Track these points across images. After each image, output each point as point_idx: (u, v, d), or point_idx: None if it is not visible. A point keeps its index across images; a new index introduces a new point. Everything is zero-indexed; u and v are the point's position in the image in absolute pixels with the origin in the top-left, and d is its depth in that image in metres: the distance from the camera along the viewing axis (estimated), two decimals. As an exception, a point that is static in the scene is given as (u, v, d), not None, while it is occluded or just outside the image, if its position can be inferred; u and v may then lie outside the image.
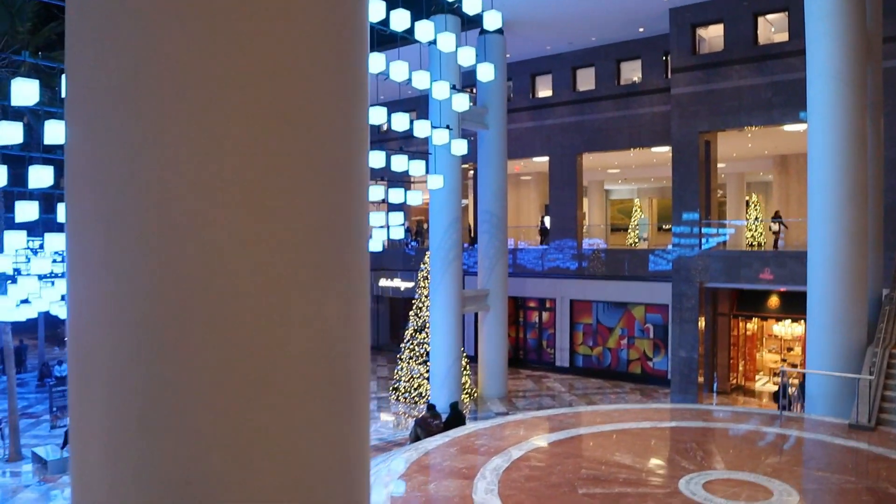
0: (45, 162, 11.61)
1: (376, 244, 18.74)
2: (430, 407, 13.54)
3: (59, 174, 11.71)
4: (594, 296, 25.27)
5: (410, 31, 12.95)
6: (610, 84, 24.68)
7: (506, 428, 10.84)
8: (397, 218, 17.32)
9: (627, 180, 37.07)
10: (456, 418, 12.57)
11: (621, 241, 35.62)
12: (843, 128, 12.98)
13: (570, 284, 25.65)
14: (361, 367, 2.72)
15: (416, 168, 14.97)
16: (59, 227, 11.65)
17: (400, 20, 12.38)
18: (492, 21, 13.51)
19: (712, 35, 21.07)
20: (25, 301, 13.04)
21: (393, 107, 15.09)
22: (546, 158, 26.97)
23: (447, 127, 15.20)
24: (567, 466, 8.84)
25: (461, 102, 14.58)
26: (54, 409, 20.19)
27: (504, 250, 22.67)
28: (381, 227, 17.08)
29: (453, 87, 14.61)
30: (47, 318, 26.99)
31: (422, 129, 14.20)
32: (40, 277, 12.92)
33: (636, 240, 35.48)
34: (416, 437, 12.14)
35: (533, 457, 9.07)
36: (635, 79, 24.42)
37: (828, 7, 12.92)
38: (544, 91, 26.85)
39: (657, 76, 23.41)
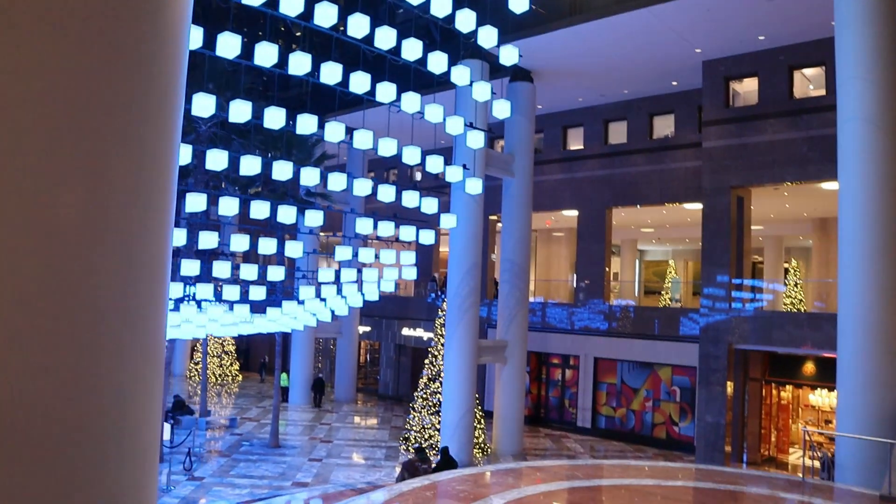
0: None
1: (389, 285, 18.32)
2: (419, 450, 12.79)
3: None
4: (620, 354, 24.28)
5: (422, 60, 12.74)
6: (642, 138, 24.22)
7: (495, 475, 10.06)
8: (409, 258, 16.90)
9: (661, 240, 36.20)
10: (446, 463, 11.80)
11: (654, 304, 34.55)
12: (875, 177, 12.22)
13: (596, 342, 24.73)
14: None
15: (429, 206, 14.59)
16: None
17: (437, 63, 12.18)
18: (508, 56, 13.20)
19: (746, 89, 20.55)
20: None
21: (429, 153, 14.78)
22: (575, 212, 26.43)
23: (464, 166, 14.85)
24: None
25: (476, 139, 14.22)
26: None
27: (525, 301, 21.98)
28: (392, 265, 16.67)
29: (469, 125, 14.30)
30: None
31: (434, 164, 13.88)
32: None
33: (669, 302, 34.39)
34: (402, 480, 11.41)
35: (515, 506, 8.28)
36: (668, 133, 23.92)
37: (858, 50, 12.33)
38: (575, 143, 26.50)
39: (690, 131, 22.88)
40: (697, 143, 21.74)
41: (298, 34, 26.04)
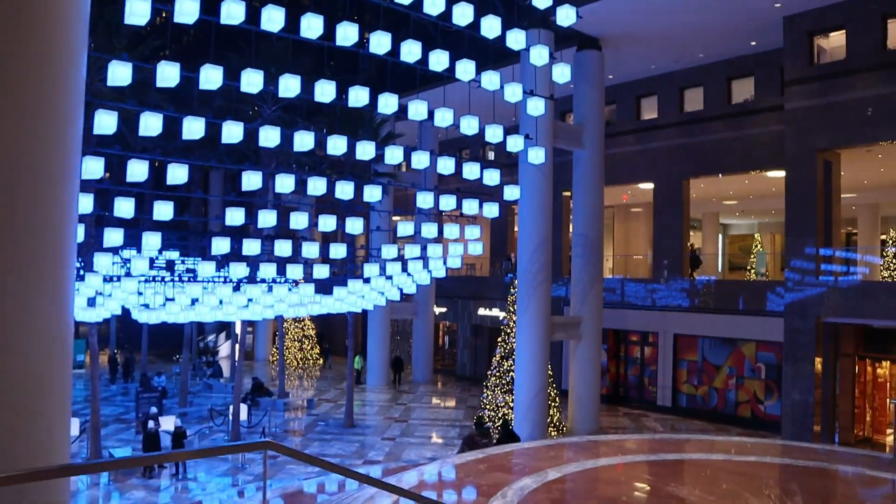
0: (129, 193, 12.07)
1: (455, 261, 18.09)
2: (478, 423, 12.51)
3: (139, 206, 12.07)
4: (701, 331, 23.31)
5: (476, 25, 12.40)
6: (720, 103, 23.06)
7: (554, 449, 9.70)
8: (473, 232, 16.59)
9: (746, 213, 34.54)
10: (507, 437, 11.50)
11: (739, 279, 33.04)
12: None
13: (676, 318, 23.82)
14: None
15: (491, 177, 14.26)
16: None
17: (491, 27, 11.86)
18: (565, 17, 12.66)
19: (833, 44, 19.16)
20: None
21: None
22: (651, 185, 25.48)
23: (526, 136, 14.44)
24: (606, 492, 7.63)
25: (536, 107, 13.75)
26: (140, 414, 20.73)
27: (599, 277, 21.34)
28: (457, 240, 16.41)
29: (529, 92, 13.86)
30: (150, 331, 28.13)
31: (494, 134, 13.53)
32: (107, 279, 13.16)
33: (755, 277, 32.83)
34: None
35: (570, 479, 7.93)
36: (747, 97, 22.66)
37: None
38: (649, 113, 25.51)
39: (772, 93, 21.60)
40: (780, 106, 20.47)
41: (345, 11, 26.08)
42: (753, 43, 21.09)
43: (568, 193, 27.43)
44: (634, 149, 25.46)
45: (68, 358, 2.76)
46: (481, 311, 31.45)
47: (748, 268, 34.05)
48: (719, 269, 31.78)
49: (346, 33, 11.44)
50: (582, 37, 21.06)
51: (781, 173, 20.83)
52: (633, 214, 32.92)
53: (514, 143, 13.86)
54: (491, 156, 33.97)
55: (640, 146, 25.31)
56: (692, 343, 23.78)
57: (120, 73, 11.14)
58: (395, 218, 34.93)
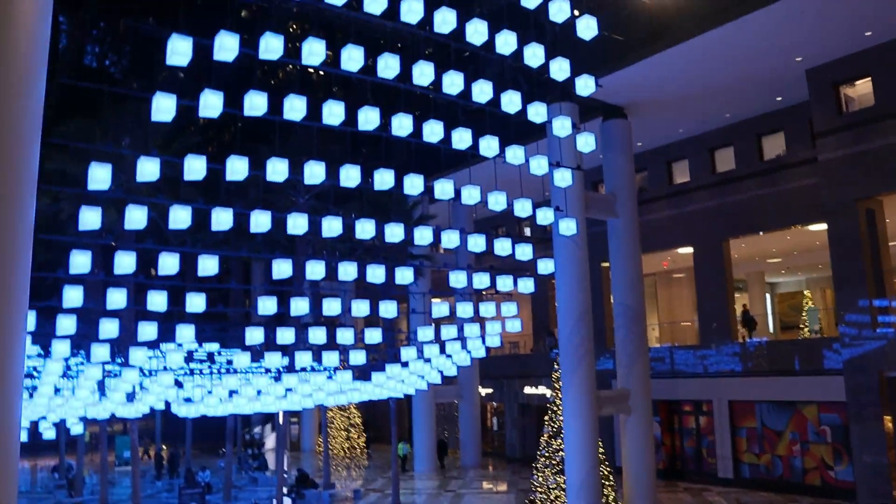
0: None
1: (494, 340, 17.73)
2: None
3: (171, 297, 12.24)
4: (757, 395, 22.31)
5: (495, 102, 12.50)
6: (752, 161, 22.81)
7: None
8: (510, 309, 16.30)
9: (792, 270, 33.60)
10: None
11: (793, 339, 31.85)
12: None
13: (729, 383, 22.90)
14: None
15: (523, 252, 14.09)
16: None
17: (511, 102, 12.00)
18: (584, 86, 12.68)
19: (860, 92, 18.93)
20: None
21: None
22: (690, 249, 25.04)
23: (556, 208, 14.33)
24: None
25: (563, 178, 13.68)
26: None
27: (643, 346, 20.72)
28: (494, 318, 16.10)
29: (555, 164, 13.83)
30: (195, 425, 27.99)
31: (523, 208, 13.44)
32: (144, 372, 13.14)
33: (808, 334, 31.64)
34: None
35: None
36: (779, 152, 22.38)
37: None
38: (681, 177, 25.33)
39: (803, 147, 21.30)
40: (813, 159, 20.12)
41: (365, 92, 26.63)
42: (779, 98, 20.99)
43: (606, 264, 27.08)
44: (670, 213, 25.17)
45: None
46: (527, 390, 30.73)
47: (801, 326, 32.89)
48: (770, 330, 30.76)
49: (368, 117, 11.60)
50: (607, 106, 21.19)
51: (823, 226, 20.28)
52: (676, 280, 32.30)
53: (544, 217, 13.73)
54: (527, 231, 33.95)
55: (676, 210, 25.02)
56: (749, 409, 22.74)
57: (149, 169, 11.43)
58: (434, 299, 34.85)
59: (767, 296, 34.28)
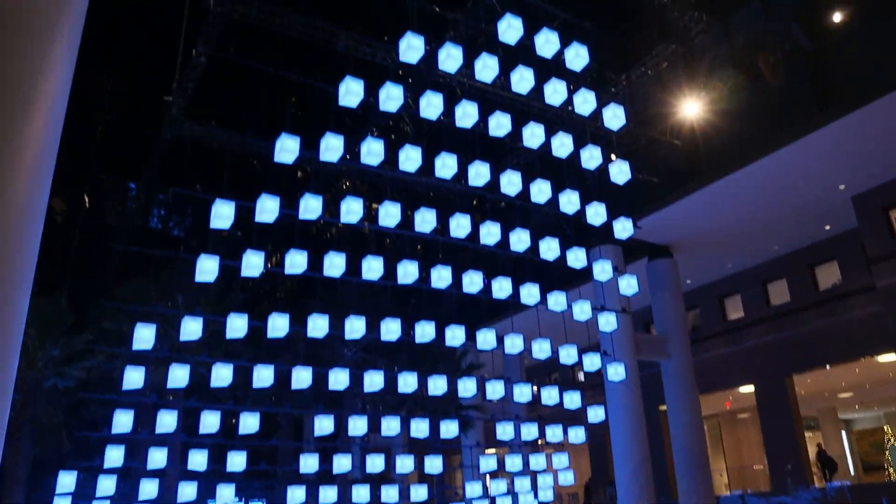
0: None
1: (546, 493, 16.80)
2: None
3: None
4: (845, 549, 20.31)
5: (534, 249, 12.52)
6: (808, 292, 22.11)
7: None
8: (562, 460, 15.53)
9: (867, 404, 31.60)
10: None
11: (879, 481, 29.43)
12: None
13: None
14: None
15: (572, 400, 13.61)
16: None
17: (549, 249, 12.06)
18: (622, 229, 12.65)
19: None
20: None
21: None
22: (751, 387, 23.90)
23: (603, 352, 13.97)
24: None
25: (608, 322, 13.38)
26: None
27: (710, 495, 19.33)
28: (545, 471, 15.29)
29: (599, 308, 13.59)
30: None
31: (568, 355, 13.12)
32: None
33: (894, 474, 29.22)
34: None
35: None
36: (835, 281, 21.68)
37: None
38: (735, 312, 24.64)
39: (860, 274, 20.61)
40: (871, 286, 19.39)
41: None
42: (828, 227, 20.63)
43: (663, 407, 25.95)
44: (726, 351, 24.28)
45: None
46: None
47: (885, 467, 30.46)
48: (851, 472, 28.55)
49: (407, 271, 11.71)
50: (651, 246, 21.09)
51: (894, 356, 19.20)
52: (741, 421, 30.63)
53: (591, 363, 13.37)
54: (581, 376, 33.08)
55: (732, 348, 24.15)
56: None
57: (192, 328, 11.59)
58: (488, 450, 33.63)
59: (843, 433, 32.11)
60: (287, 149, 9.42)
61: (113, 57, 24.40)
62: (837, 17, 17.37)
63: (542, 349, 12.91)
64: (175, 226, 38.80)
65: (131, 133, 29.22)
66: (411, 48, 8.69)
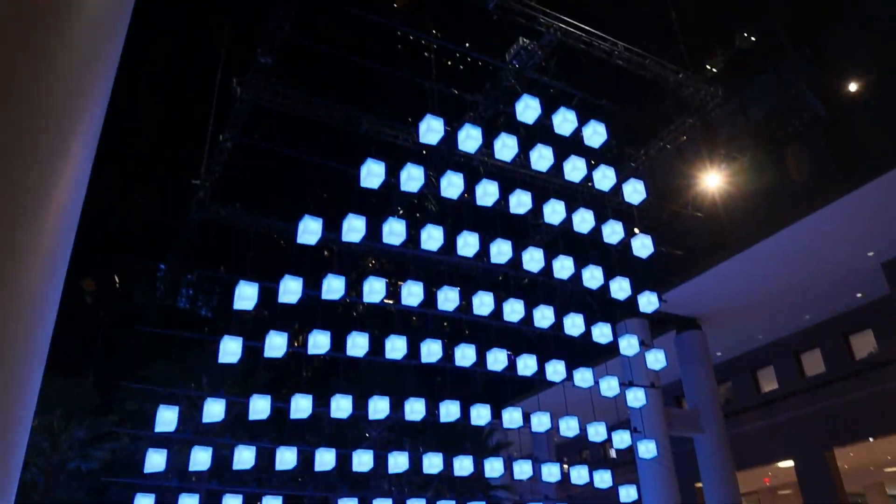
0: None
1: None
2: None
3: None
4: None
5: (559, 325, 12.41)
6: (843, 362, 21.53)
7: None
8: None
9: (915, 479, 30.24)
10: None
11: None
12: None
13: None
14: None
15: (602, 480, 13.23)
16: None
17: (574, 325, 11.97)
18: (647, 303, 12.50)
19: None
20: None
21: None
22: (790, 462, 23.03)
23: (633, 429, 13.64)
24: None
25: (636, 398, 13.10)
26: None
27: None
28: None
29: (627, 384, 13.34)
30: None
31: (597, 432, 12.84)
32: None
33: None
34: None
35: None
36: (871, 350, 21.11)
37: None
38: (769, 384, 24.00)
39: (896, 342, 20.09)
40: (911, 356, 18.87)
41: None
42: (860, 295, 20.23)
43: (699, 484, 25.07)
44: (761, 425, 23.53)
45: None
46: None
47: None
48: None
49: (431, 350, 11.62)
50: (678, 318, 20.79)
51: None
52: (782, 498, 29.39)
53: (621, 440, 13.03)
54: (612, 453, 32.19)
55: (768, 421, 23.40)
56: None
57: (215, 410, 11.51)
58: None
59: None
60: (310, 230, 9.54)
61: (144, 143, 25.20)
62: (853, 87, 17.50)
63: (569, 427, 12.65)
64: (202, 306, 39.15)
65: (160, 215, 29.91)
66: (431, 130, 8.87)
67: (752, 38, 20.61)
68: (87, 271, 32.49)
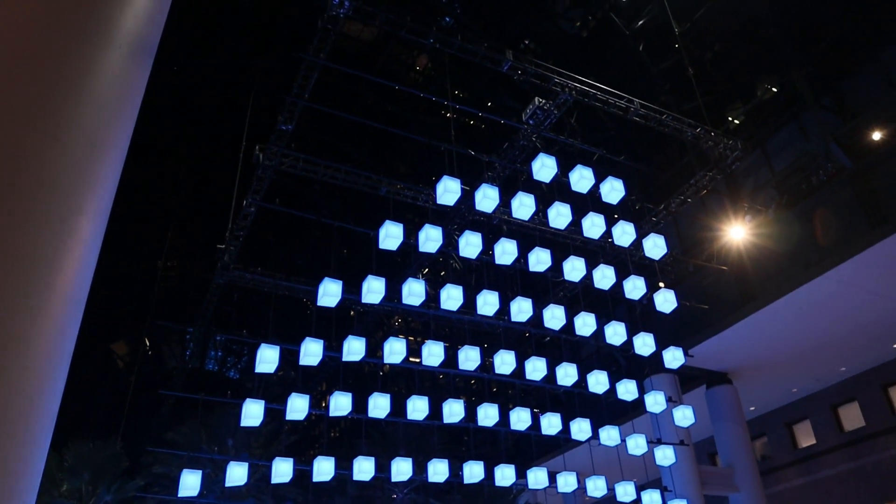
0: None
1: None
2: None
3: None
4: None
5: (582, 384, 12.28)
6: (884, 415, 20.83)
7: None
8: None
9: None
10: None
11: None
12: None
13: None
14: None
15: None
16: None
17: (598, 383, 11.84)
18: (673, 360, 12.33)
19: None
20: None
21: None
22: (835, 521, 22.13)
23: (664, 489, 13.31)
24: None
25: (665, 456, 12.80)
26: None
27: None
28: None
29: (656, 441, 13.06)
30: None
31: (625, 492, 12.52)
32: None
33: None
34: None
35: None
36: (912, 403, 20.46)
37: None
38: (807, 439, 23.25)
39: (940, 396, 19.43)
40: (955, 410, 18.22)
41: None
42: (896, 346, 19.72)
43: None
44: (800, 482, 22.74)
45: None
46: None
47: None
48: None
49: (452, 410, 11.51)
50: (709, 373, 20.36)
51: None
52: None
53: (651, 500, 12.71)
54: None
55: (807, 478, 22.61)
56: None
57: (237, 474, 11.46)
58: None
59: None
60: (330, 293, 9.63)
61: (172, 210, 25.82)
62: (877, 135, 17.41)
63: (597, 487, 12.39)
64: (230, 367, 39.30)
65: (189, 279, 30.35)
66: (448, 191, 8.98)
67: (774, 89, 20.70)
68: (120, 335, 32.92)
